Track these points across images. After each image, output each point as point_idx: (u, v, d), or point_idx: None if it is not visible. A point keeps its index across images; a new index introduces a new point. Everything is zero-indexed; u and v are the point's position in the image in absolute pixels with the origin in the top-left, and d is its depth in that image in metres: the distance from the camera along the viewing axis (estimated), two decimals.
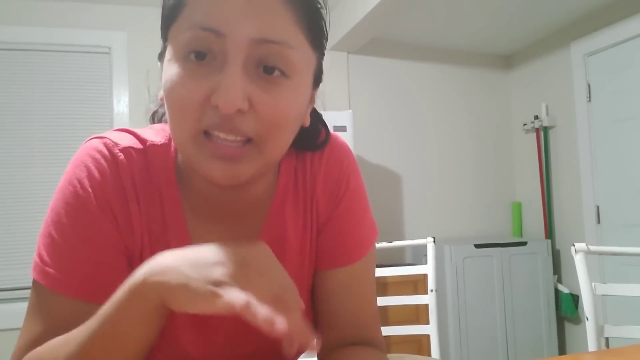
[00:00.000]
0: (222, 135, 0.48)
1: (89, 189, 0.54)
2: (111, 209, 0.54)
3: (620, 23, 2.55)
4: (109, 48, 2.67)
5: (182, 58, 0.48)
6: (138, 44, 2.71)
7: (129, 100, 2.68)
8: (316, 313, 0.66)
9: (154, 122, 0.71)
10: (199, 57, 0.48)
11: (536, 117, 3.10)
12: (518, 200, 3.34)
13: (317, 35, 0.53)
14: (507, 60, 3.44)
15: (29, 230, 2.47)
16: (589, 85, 2.76)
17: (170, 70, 0.49)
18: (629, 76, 2.54)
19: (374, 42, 2.95)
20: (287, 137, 0.53)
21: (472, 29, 2.95)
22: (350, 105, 2.92)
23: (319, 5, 0.54)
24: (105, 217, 0.54)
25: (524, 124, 3.23)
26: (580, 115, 2.81)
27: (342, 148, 0.67)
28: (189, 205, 0.59)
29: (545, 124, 3.03)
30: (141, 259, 0.56)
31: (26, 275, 2.44)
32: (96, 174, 0.55)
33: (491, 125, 3.36)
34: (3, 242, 2.45)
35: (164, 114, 0.69)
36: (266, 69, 0.49)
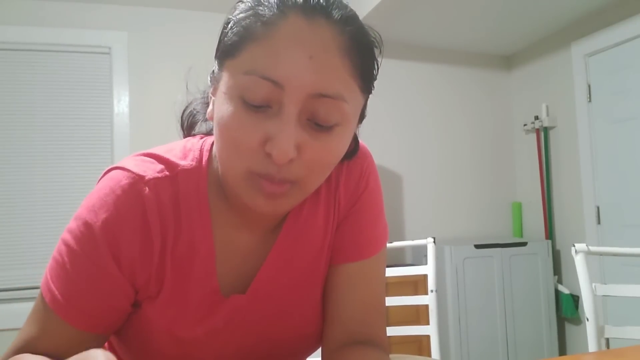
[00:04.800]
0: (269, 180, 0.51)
1: (104, 232, 0.54)
2: (124, 254, 0.55)
3: (620, 23, 2.54)
4: (109, 48, 2.67)
5: (238, 98, 0.49)
6: (138, 44, 2.71)
7: (129, 100, 2.68)
8: (324, 307, 0.67)
9: (182, 121, 0.72)
10: (256, 105, 0.49)
11: (536, 118, 3.10)
12: (518, 200, 3.33)
13: (369, 82, 0.55)
14: (508, 61, 3.44)
15: (29, 230, 2.47)
16: (589, 86, 2.76)
17: (225, 107, 0.50)
18: (630, 77, 2.53)
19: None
20: (328, 173, 0.56)
21: (472, 30, 2.94)
22: None
23: (374, 52, 0.55)
24: (114, 264, 0.54)
25: (525, 125, 3.23)
26: (580, 115, 2.80)
27: (363, 150, 0.70)
28: (218, 218, 0.60)
29: (546, 124, 3.02)
30: (163, 283, 0.57)
31: (26, 275, 2.44)
32: (114, 215, 0.54)
33: (491, 125, 3.36)
34: (3, 242, 2.45)
35: (195, 122, 0.71)
36: (318, 124, 0.50)
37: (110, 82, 2.67)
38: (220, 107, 0.51)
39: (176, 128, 0.72)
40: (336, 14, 0.50)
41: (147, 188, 0.56)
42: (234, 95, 0.50)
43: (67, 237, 0.55)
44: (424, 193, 3.14)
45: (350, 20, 0.51)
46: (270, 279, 0.63)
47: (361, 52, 0.52)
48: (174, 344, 0.58)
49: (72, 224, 0.55)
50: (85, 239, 0.54)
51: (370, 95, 0.58)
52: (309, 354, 0.70)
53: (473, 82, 3.34)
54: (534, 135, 3.15)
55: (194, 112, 0.70)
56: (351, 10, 0.53)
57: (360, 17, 0.54)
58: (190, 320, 0.59)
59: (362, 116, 0.60)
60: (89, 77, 2.65)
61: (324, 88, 0.49)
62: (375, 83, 0.57)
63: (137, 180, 0.56)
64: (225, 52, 0.52)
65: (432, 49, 3.23)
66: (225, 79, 0.52)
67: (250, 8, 0.50)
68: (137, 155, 0.60)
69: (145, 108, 2.69)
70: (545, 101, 3.07)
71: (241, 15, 0.51)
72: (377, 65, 0.56)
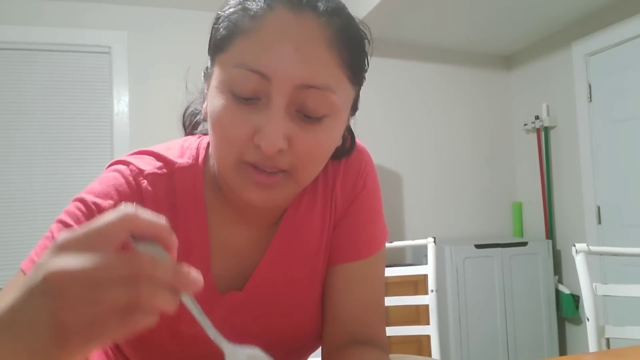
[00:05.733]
0: (260, 168, 0.51)
1: (101, 213, 0.54)
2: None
3: (621, 23, 2.54)
4: (109, 48, 2.67)
5: (228, 92, 0.50)
6: (138, 43, 2.71)
7: (129, 100, 2.68)
8: (324, 307, 0.67)
9: (184, 120, 0.72)
10: (245, 97, 0.50)
11: (537, 117, 3.10)
12: (519, 200, 3.33)
13: (359, 73, 0.55)
14: (508, 61, 3.43)
15: (28, 230, 2.47)
16: (589, 86, 2.75)
17: (217, 100, 0.51)
18: (630, 76, 2.53)
19: (373, 42, 2.94)
20: (321, 165, 0.56)
21: (472, 29, 2.94)
22: None
23: (363, 43, 0.55)
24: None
25: (525, 124, 3.23)
26: (581, 115, 2.80)
27: (361, 150, 0.70)
28: (214, 215, 0.61)
29: (546, 124, 3.02)
30: None
31: None
32: (116, 200, 0.55)
33: (492, 125, 3.36)
34: (3, 242, 2.45)
35: (197, 122, 0.71)
36: (307, 116, 0.51)
37: (110, 82, 2.67)
38: (212, 101, 0.52)
39: (177, 127, 0.73)
40: (322, 6, 0.51)
41: (145, 181, 0.57)
42: (224, 89, 0.51)
43: (62, 216, 0.55)
44: (424, 193, 3.14)
45: (337, 12, 0.52)
46: (268, 276, 0.63)
47: (349, 43, 0.52)
48: (174, 340, 0.59)
49: (69, 205, 0.56)
50: (82, 215, 0.54)
51: (362, 87, 0.59)
52: (308, 353, 0.70)
53: (473, 82, 3.33)
54: (535, 135, 3.15)
55: (196, 111, 0.71)
56: (339, 2, 0.53)
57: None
58: (188, 316, 0.59)
59: (354, 108, 0.60)
60: (88, 76, 2.65)
61: (310, 79, 0.49)
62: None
63: (138, 173, 0.58)
64: (216, 47, 0.53)
65: (432, 48, 3.22)
66: (216, 74, 0.53)
67: (239, 3, 0.51)
68: (138, 152, 0.62)
69: (145, 108, 2.69)
70: (545, 101, 3.07)
71: (230, 10, 0.52)
72: (367, 56, 0.57)
